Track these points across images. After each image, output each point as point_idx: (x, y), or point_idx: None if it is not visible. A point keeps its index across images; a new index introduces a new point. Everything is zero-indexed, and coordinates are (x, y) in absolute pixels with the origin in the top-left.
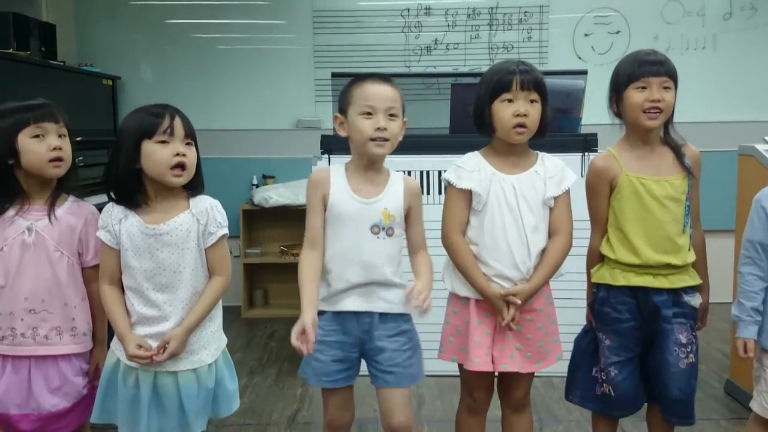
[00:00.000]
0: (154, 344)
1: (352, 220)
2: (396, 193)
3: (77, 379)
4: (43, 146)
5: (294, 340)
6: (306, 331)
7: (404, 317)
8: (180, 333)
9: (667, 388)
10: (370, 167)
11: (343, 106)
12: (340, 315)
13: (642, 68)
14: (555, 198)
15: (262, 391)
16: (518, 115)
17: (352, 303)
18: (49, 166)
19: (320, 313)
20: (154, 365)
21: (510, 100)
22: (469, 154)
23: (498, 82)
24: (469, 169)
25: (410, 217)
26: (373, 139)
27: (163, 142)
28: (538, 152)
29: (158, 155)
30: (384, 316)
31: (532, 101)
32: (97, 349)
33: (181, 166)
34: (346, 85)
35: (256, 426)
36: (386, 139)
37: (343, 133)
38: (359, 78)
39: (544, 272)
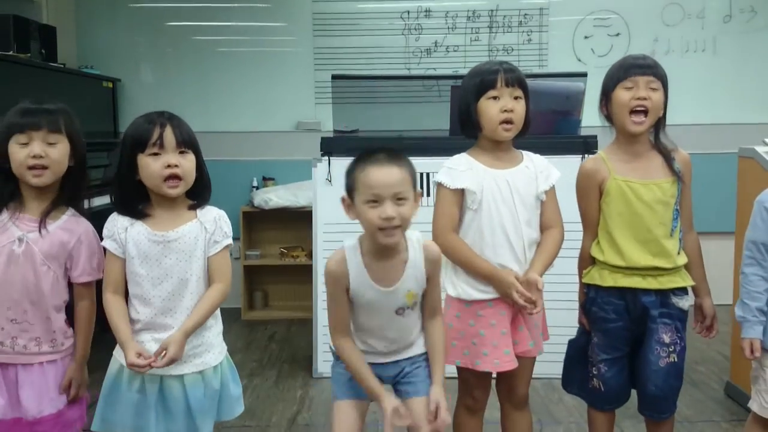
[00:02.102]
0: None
1: (376, 307)
2: (417, 270)
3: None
4: (24, 153)
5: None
6: (402, 413)
7: (424, 354)
8: (179, 337)
9: (644, 384)
10: (385, 249)
11: (348, 188)
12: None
13: (630, 69)
14: (545, 192)
15: (262, 392)
16: (505, 110)
17: (390, 357)
18: (28, 174)
19: None
20: (156, 371)
21: (496, 97)
22: (457, 156)
23: (483, 80)
24: (461, 168)
25: (429, 283)
26: (381, 229)
27: (155, 154)
28: (522, 151)
29: (150, 168)
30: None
31: (516, 98)
32: (75, 364)
33: (174, 177)
34: (350, 165)
35: (256, 428)
36: (397, 227)
37: (351, 217)
38: (363, 159)
39: (544, 259)
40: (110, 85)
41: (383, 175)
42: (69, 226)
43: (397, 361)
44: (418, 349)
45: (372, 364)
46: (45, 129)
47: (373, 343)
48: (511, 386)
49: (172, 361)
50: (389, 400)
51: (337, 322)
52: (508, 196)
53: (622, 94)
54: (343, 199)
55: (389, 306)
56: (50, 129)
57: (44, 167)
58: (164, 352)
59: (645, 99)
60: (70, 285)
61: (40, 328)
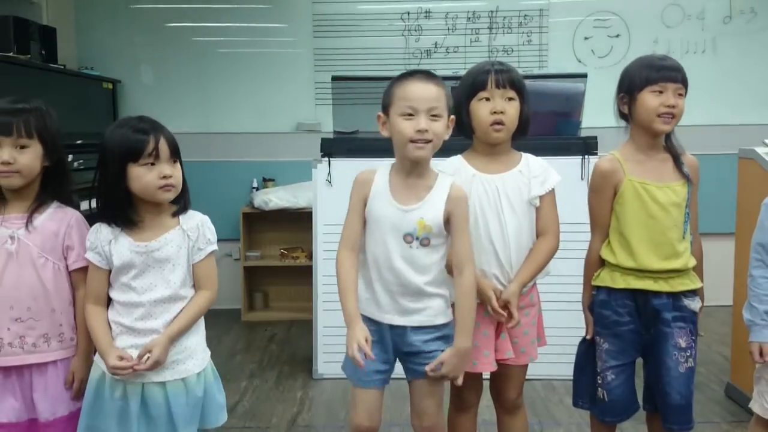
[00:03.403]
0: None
1: (387, 226)
2: (437, 203)
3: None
4: None
5: (355, 352)
6: (361, 345)
7: (442, 326)
8: (163, 341)
9: (667, 393)
10: (413, 171)
11: (385, 105)
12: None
13: (660, 73)
14: (540, 198)
15: (262, 394)
16: (495, 112)
17: (388, 316)
18: None
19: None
20: (137, 376)
21: (487, 99)
22: (451, 158)
23: (474, 81)
24: (450, 172)
25: (452, 226)
26: (413, 141)
27: (150, 164)
28: (522, 153)
29: (145, 179)
30: (418, 327)
31: (509, 99)
32: (77, 358)
33: (169, 186)
34: (389, 83)
35: (256, 429)
36: (428, 141)
37: (385, 134)
38: (402, 76)
39: (530, 268)
40: (110, 86)
41: (421, 88)
42: (56, 216)
43: (404, 328)
44: (429, 316)
45: (375, 324)
46: (14, 135)
47: (384, 281)
48: (500, 390)
49: (156, 365)
50: (359, 328)
51: (347, 233)
52: (495, 200)
53: (651, 99)
54: (378, 116)
55: (398, 228)
56: (20, 134)
57: (14, 171)
58: (147, 355)
59: (674, 107)
60: None
61: (46, 324)
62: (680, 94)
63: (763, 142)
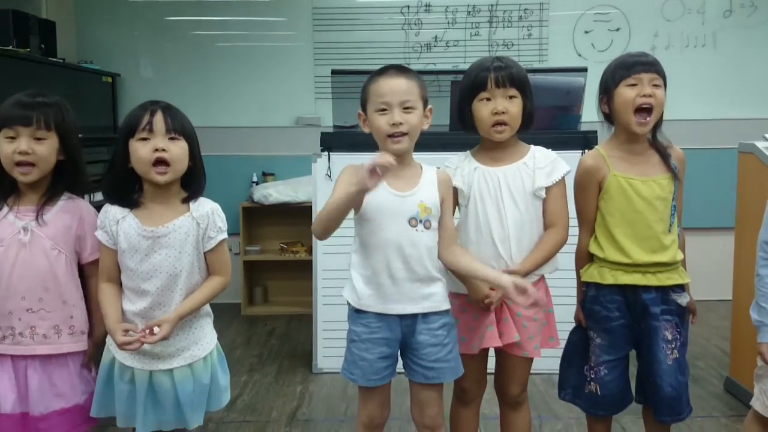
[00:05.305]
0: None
1: (389, 213)
2: (431, 186)
3: (74, 381)
4: (11, 148)
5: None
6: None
7: (445, 312)
8: (172, 318)
9: (658, 386)
10: (399, 162)
11: (363, 103)
12: (384, 314)
13: (633, 66)
14: (547, 189)
15: (262, 388)
16: (496, 113)
17: (398, 307)
18: (15, 170)
19: (361, 311)
20: (145, 364)
21: (488, 99)
22: (459, 154)
23: (474, 81)
24: (453, 167)
25: (443, 208)
26: (390, 136)
27: (144, 139)
28: (531, 146)
29: (139, 152)
30: (427, 314)
31: (510, 97)
32: (92, 345)
33: (161, 162)
34: (365, 81)
35: (256, 423)
36: (404, 134)
37: (366, 130)
38: (375, 73)
39: (535, 256)
40: (110, 80)
41: (392, 83)
42: (68, 208)
43: (414, 318)
44: (436, 302)
45: (382, 319)
46: (33, 126)
47: (392, 269)
48: (503, 386)
49: (163, 339)
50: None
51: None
52: (495, 191)
53: (627, 92)
54: (359, 114)
55: (402, 213)
56: (38, 126)
57: (30, 164)
58: (157, 328)
59: (650, 96)
60: (81, 274)
61: (58, 315)
62: (656, 85)
63: (763, 137)
